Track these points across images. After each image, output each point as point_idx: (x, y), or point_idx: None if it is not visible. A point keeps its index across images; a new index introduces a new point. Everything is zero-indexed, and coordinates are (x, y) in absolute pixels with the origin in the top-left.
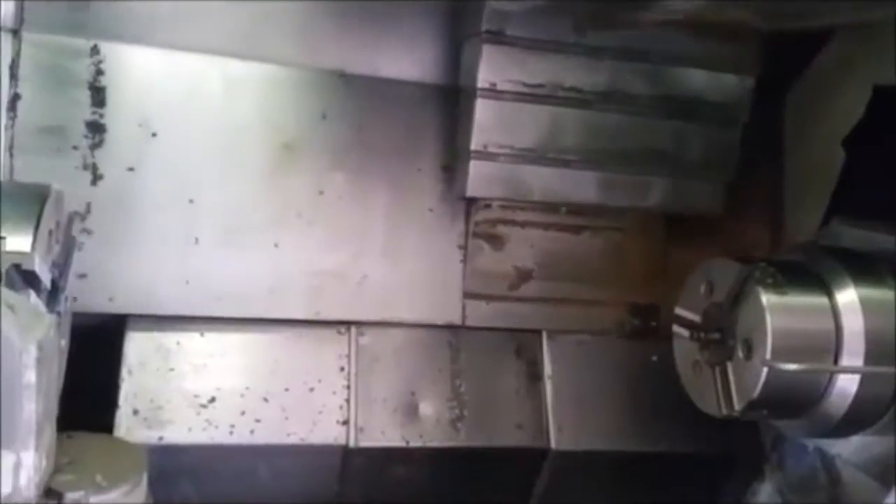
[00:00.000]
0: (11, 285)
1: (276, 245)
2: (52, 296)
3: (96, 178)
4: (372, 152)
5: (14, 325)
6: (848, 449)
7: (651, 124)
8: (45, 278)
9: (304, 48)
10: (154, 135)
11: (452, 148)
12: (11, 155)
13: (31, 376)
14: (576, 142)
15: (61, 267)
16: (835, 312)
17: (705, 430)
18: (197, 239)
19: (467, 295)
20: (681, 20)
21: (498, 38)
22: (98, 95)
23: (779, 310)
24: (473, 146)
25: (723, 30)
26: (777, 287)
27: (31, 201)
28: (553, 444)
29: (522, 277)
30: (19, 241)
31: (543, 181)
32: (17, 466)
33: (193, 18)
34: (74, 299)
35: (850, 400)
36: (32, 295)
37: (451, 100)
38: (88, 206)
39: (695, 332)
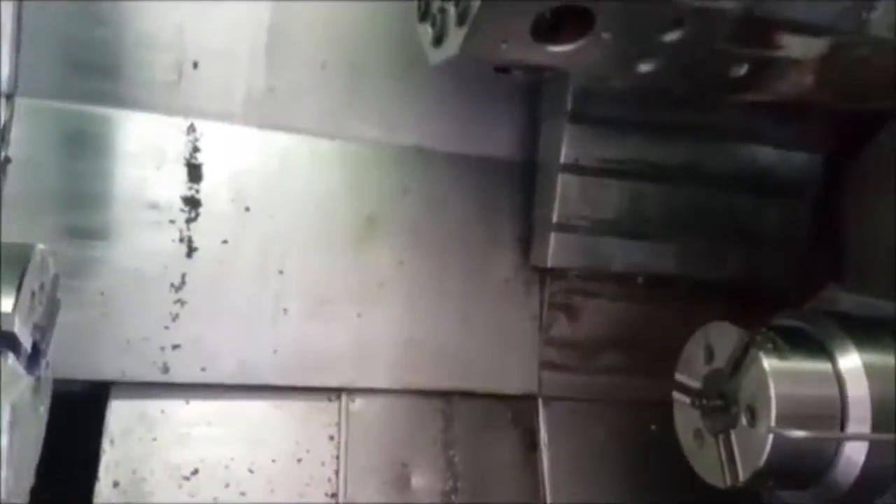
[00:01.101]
0: None
1: (359, 315)
2: (33, 359)
3: (191, 250)
4: (449, 224)
5: None
6: None
7: (726, 198)
8: (26, 340)
9: (385, 126)
10: (247, 209)
11: (529, 220)
12: None
13: (4, 440)
14: (654, 214)
15: (43, 330)
16: (838, 378)
17: (709, 502)
18: (286, 310)
19: (543, 365)
20: (761, 101)
21: (581, 116)
22: (195, 172)
23: (782, 375)
24: (556, 219)
25: (795, 109)
26: (779, 352)
27: (14, 261)
28: None
29: (597, 348)
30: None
31: (622, 252)
32: None
33: (285, 100)
34: (167, 370)
35: (858, 468)
36: (11, 357)
37: (525, 174)
38: (183, 277)
39: (696, 399)
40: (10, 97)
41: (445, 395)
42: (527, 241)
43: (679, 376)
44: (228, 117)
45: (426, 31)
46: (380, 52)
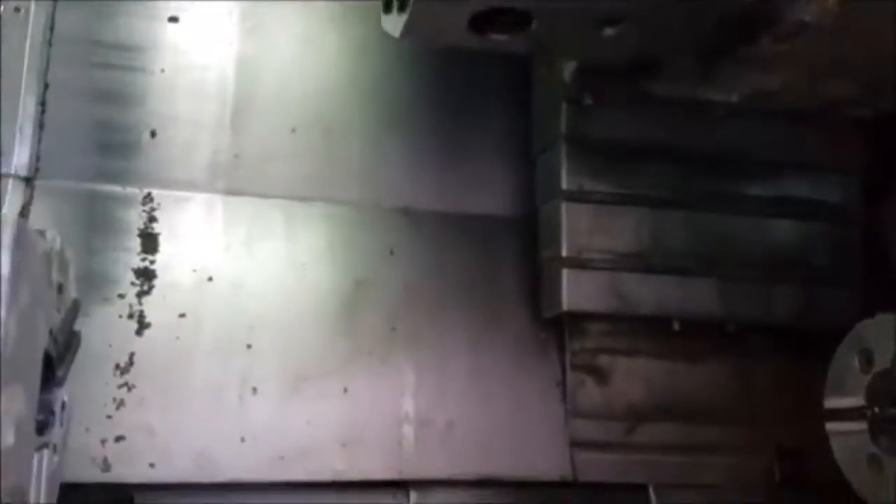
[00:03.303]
0: None
1: (345, 390)
2: (45, 379)
3: (142, 327)
4: (446, 286)
5: None
6: None
7: (764, 225)
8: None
9: (366, 189)
10: (210, 279)
11: (537, 265)
12: None
13: None
14: (684, 246)
15: (61, 347)
16: None
17: None
18: (255, 389)
19: (575, 444)
20: (774, 103)
21: (579, 138)
22: (149, 242)
23: None
24: (566, 252)
25: (821, 121)
26: None
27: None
28: None
29: (638, 418)
30: None
31: (650, 291)
32: None
33: (253, 166)
34: (108, 467)
35: None
36: None
37: (526, 230)
38: (131, 357)
39: (867, 413)
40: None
41: (459, 485)
42: (536, 298)
43: (830, 401)
44: (190, 185)
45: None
46: (355, 115)
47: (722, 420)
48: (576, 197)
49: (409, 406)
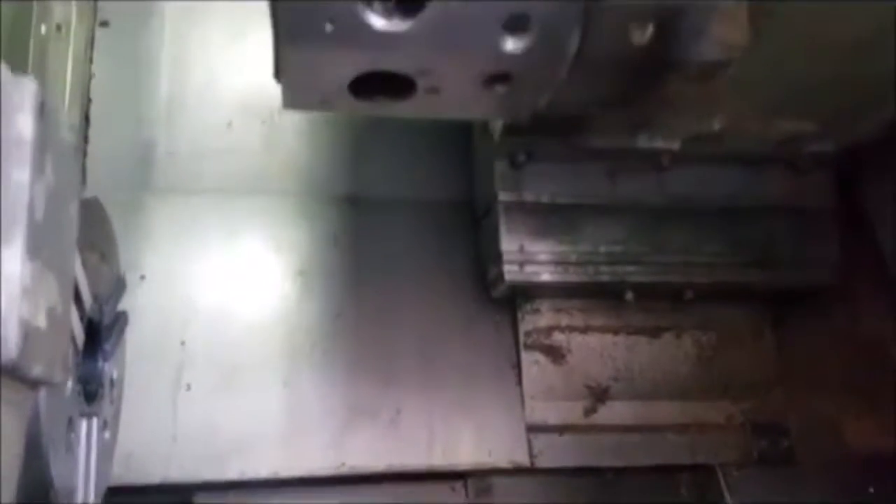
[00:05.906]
0: None
1: (285, 384)
2: (89, 352)
3: None
4: (393, 272)
5: None
6: None
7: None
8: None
9: (307, 179)
10: (142, 277)
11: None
12: None
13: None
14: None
15: (107, 319)
16: None
17: None
18: (189, 385)
19: (532, 428)
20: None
21: (516, 200)
22: None
23: None
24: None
25: (779, 162)
26: None
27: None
28: None
29: (598, 398)
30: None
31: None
32: None
33: (188, 162)
34: None
35: None
36: None
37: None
38: None
39: None
40: None
41: (411, 478)
42: (486, 277)
43: None
44: (119, 184)
45: None
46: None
47: (689, 398)
48: (517, 260)
49: (352, 397)
